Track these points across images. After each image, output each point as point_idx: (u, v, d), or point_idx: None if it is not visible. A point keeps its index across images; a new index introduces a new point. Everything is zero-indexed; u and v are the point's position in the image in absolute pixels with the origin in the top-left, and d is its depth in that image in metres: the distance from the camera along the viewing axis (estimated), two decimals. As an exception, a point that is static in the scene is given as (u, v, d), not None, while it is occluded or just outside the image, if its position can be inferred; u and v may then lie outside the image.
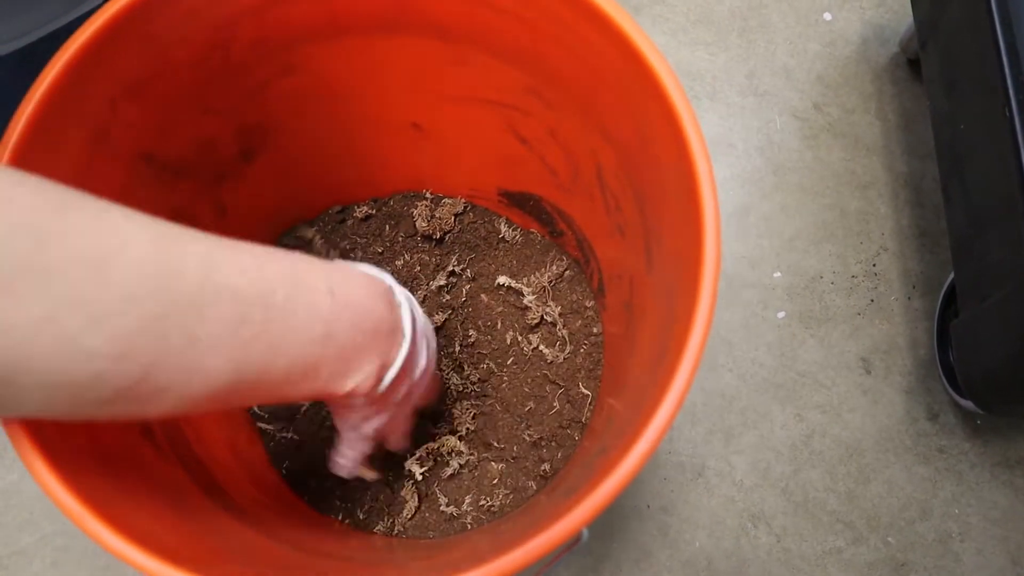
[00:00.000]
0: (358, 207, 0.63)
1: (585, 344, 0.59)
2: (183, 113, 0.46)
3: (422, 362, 0.41)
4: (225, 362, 0.28)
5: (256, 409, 0.59)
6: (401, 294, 0.40)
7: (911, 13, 0.83)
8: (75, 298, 0.23)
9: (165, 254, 0.26)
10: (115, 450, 0.39)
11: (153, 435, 0.44)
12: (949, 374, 0.81)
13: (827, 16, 0.99)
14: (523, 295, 0.60)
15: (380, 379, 0.37)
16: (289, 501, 0.55)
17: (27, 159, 0.36)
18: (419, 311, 0.42)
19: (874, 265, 0.88)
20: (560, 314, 0.60)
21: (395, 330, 0.37)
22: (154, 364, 0.26)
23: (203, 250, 0.28)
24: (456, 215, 0.63)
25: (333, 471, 0.47)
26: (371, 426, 0.42)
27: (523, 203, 0.62)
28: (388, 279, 0.40)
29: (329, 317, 0.32)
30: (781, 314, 0.87)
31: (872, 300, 0.87)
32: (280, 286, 0.30)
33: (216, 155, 0.51)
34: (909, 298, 0.87)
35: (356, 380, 0.35)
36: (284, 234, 0.62)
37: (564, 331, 0.60)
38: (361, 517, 0.55)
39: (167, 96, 0.44)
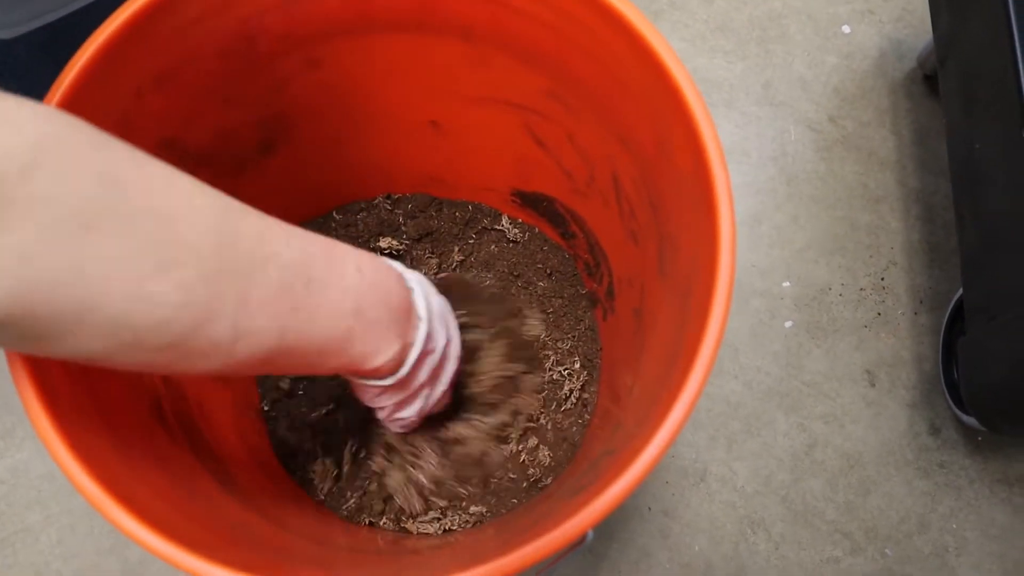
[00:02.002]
0: (373, 201, 0.63)
1: (585, 348, 0.60)
2: (207, 103, 0.47)
3: (440, 342, 0.42)
4: (271, 325, 0.31)
5: (264, 406, 0.59)
6: (413, 279, 0.41)
7: (930, 29, 0.83)
8: (147, 245, 0.26)
9: (225, 219, 0.29)
10: (130, 435, 0.39)
11: (166, 420, 0.45)
12: (952, 390, 0.81)
13: (846, 29, 0.99)
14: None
15: (403, 360, 0.39)
16: (295, 491, 0.56)
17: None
18: (434, 296, 0.43)
19: (883, 279, 0.88)
20: (558, 312, 0.61)
21: (412, 312, 0.40)
22: (209, 318, 0.28)
23: (256, 222, 0.31)
24: (466, 221, 0.64)
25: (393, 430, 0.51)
26: (406, 414, 0.45)
27: (536, 204, 0.62)
28: (398, 266, 0.41)
29: (358, 293, 0.35)
30: (789, 323, 0.87)
31: (879, 313, 0.87)
32: (317, 261, 0.33)
33: (237, 146, 0.52)
34: (916, 313, 0.87)
35: (384, 357, 0.37)
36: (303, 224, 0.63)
37: (564, 346, 0.60)
38: (368, 510, 0.56)
39: (192, 86, 0.45)
